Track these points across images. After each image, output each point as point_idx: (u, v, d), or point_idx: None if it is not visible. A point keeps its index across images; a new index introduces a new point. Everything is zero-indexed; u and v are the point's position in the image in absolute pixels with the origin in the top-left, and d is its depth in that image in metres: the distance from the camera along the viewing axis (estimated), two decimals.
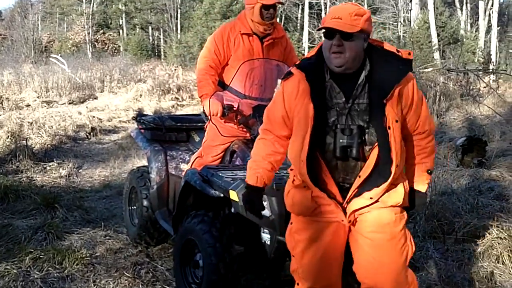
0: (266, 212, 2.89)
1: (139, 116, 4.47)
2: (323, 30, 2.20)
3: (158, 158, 4.07)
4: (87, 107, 11.79)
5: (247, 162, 3.49)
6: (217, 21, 29.05)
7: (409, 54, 2.28)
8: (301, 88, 2.28)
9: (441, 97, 10.86)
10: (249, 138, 3.65)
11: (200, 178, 3.24)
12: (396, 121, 2.20)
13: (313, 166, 2.30)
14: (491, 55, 17.51)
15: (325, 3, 30.30)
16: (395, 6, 32.02)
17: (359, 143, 2.22)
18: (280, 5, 3.87)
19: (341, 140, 2.23)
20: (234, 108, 3.59)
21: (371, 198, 2.29)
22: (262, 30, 3.77)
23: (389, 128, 2.18)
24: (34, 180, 6.26)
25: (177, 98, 14.55)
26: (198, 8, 30.80)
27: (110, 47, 35.66)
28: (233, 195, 2.94)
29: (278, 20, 3.87)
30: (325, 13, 31.43)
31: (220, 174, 3.14)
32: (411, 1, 26.77)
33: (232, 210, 3.05)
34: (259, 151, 2.52)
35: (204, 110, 3.70)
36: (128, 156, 7.64)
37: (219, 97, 3.60)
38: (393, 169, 2.23)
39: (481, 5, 25.85)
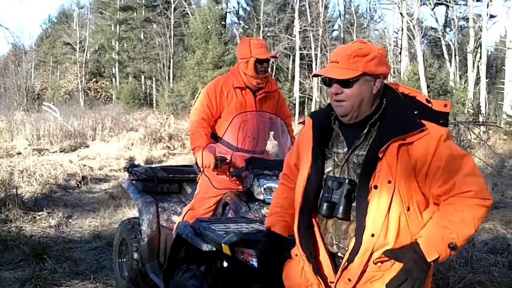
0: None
1: (131, 167, 4.48)
2: (322, 77, 1.96)
3: (150, 210, 4.05)
4: (78, 155, 11.79)
5: (239, 214, 3.52)
6: (209, 71, 29.53)
7: (445, 106, 1.95)
8: (307, 135, 2.11)
9: None
10: (242, 190, 3.66)
11: (192, 231, 3.22)
12: (389, 182, 1.83)
13: (307, 226, 2.05)
14: (480, 106, 17.82)
15: (316, 54, 30.99)
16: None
17: (346, 200, 1.92)
18: (273, 59, 3.97)
19: (326, 194, 1.97)
20: (227, 160, 3.62)
21: (349, 280, 1.92)
22: (256, 84, 3.84)
23: (375, 187, 1.84)
24: (23, 230, 6.18)
25: (169, 147, 14.58)
26: (191, 58, 31.30)
27: (102, 95, 35.94)
28: (226, 249, 2.92)
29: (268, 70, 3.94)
30: (315, 64, 32.11)
31: (213, 227, 3.12)
32: (400, 53, 27.45)
33: (224, 264, 3.03)
34: (279, 200, 2.33)
35: (196, 162, 3.72)
36: (119, 206, 7.58)
37: (212, 149, 3.63)
38: (364, 238, 1.85)
39: (470, 57, 26.55)
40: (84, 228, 6.54)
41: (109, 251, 5.34)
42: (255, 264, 2.89)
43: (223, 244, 2.93)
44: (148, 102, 36.40)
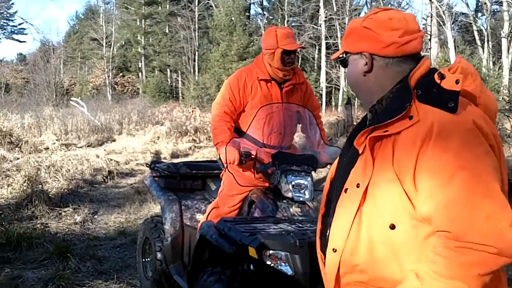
0: (289, 271, 2.70)
1: (153, 163, 4.33)
2: None
3: (172, 208, 3.89)
4: (105, 149, 11.77)
5: (266, 213, 3.33)
6: (234, 63, 29.44)
7: (457, 82, 1.37)
8: None
9: None
10: (268, 187, 3.47)
11: (216, 232, 3.04)
12: (357, 186, 1.42)
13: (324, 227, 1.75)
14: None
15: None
16: None
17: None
18: (300, 49, 3.72)
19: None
20: (252, 156, 3.41)
21: None
22: (282, 76, 3.59)
23: (345, 191, 1.47)
24: (48, 227, 6.12)
25: (194, 140, 14.50)
26: (215, 50, 31.22)
27: (129, 90, 36.20)
28: (252, 252, 2.74)
29: None
30: None
31: (238, 228, 2.94)
32: (430, 40, 26.80)
33: (251, 267, 2.86)
34: None
35: (220, 157, 3.53)
36: (144, 201, 7.48)
37: (236, 144, 3.43)
38: (328, 251, 1.52)
39: (504, 42, 25.69)
40: (109, 225, 6.44)
41: (134, 248, 5.20)
42: (284, 268, 2.72)
43: (249, 247, 2.75)
44: (174, 95, 36.50)
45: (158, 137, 13.62)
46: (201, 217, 3.79)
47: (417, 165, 1.31)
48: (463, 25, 32.52)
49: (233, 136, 3.54)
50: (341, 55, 1.62)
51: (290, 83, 3.66)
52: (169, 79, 38.47)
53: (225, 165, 3.52)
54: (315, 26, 33.36)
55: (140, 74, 39.28)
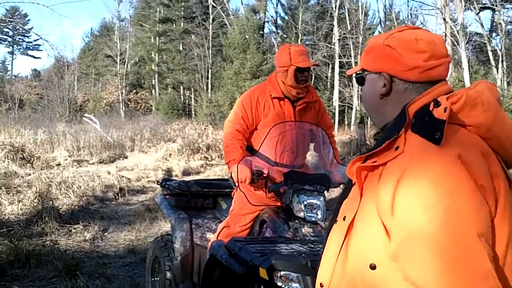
0: None
1: (164, 181, 4.28)
2: None
3: (183, 226, 3.83)
4: (116, 166, 11.77)
5: (278, 233, 3.26)
6: (247, 81, 29.53)
7: (445, 110, 1.22)
8: None
9: None
10: (280, 206, 3.40)
11: (227, 252, 2.98)
12: (344, 219, 1.33)
13: None
14: None
15: (356, 62, 30.49)
16: None
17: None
18: (314, 67, 3.68)
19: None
20: (264, 175, 3.36)
21: None
22: (295, 94, 3.55)
23: (335, 222, 1.39)
24: (58, 244, 6.08)
25: (206, 158, 14.47)
26: (229, 68, 31.37)
27: (142, 106, 36.44)
28: (263, 273, 2.67)
29: None
30: None
31: (249, 248, 2.87)
32: None
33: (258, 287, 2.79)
34: None
35: (231, 175, 3.48)
36: (155, 219, 7.43)
37: (248, 163, 3.38)
38: (316, 285, 1.42)
39: None
40: (119, 242, 6.39)
41: (143, 267, 5.14)
42: None
43: (260, 267, 2.68)
44: (187, 112, 36.65)
45: (170, 154, 13.61)
46: (211, 236, 3.72)
47: (394, 200, 1.17)
48: (477, 45, 32.41)
49: (245, 155, 3.50)
50: (358, 72, 1.49)
51: (303, 101, 3.61)
52: (182, 96, 38.65)
53: (237, 183, 3.48)
54: (328, 45, 33.48)
55: (153, 91, 39.54)
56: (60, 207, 7.37)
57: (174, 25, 40.08)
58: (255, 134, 3.64)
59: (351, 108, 30.90)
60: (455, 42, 24.58)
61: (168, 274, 3.84)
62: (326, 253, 1.39)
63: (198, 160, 13.84)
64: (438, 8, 25.33)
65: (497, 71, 28.30)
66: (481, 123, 1.26)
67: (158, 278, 4.16)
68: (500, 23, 29.12)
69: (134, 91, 38.85)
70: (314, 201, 3.20)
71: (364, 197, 1.28)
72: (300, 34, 35.21)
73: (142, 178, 10.91)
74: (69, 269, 4.93)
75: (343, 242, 1.31)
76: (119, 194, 9.27)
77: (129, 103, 37.16)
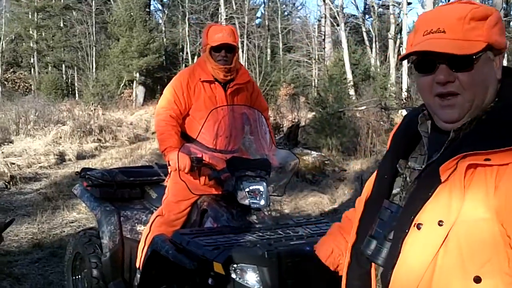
0: (256, 284, 2.52)
1: (84, 171, 3.93)
2: (413, 58, 1.28)
3: (111, 220, 3.54)
4: (2, 152, 10.74)
5: (221, 223, 3.11)
6: (135, 59, 28.60)
7: None
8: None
9: (373, 134, 10.99)
10: (220, 194, 3.26)
11: (173, 247, 2.79)
12: (440, 224, 1.14)
13: (360, 270, 1.43)
14: (410, 90, 18.24)
15: (242, 41, 30.58)
16: (309, 45, 33.08)
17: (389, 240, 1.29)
18: (238, 47, 3.52)
19: (375, 228, 1.33)
20: (204, 162, 3.19)
21: None
22: (223, 76, 3.42)
23: (418, 227, 1.18)
24: None
25: (100, 140, 13.75)
26: (115, 46, 30.09)
27: (21, 86, 33.72)
28: (219, 268, 2.53)
29: None
30: (242, 51, 31.73)
31: (198, 241, 2.71)
32: (324, 40, 27.79)
33: (210, 282, 2.64)
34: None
35: (169, 163, 3.27)
36: (56, 208, 6.88)
37: (187, 150, 3.19)
38: None
39: (391, 43, 27.19)
40: (20, 237, 5.81)
41: (55, 263, 4.76)
42: (251, 282, 2.54)
43: (214, 262, 2.54)
44: (71, 92, 34.62)
45: (61, 137, 12.72)
46: (142, 229, 3.49)
47: None
48: (353, 26, 34.10)
49: (181, 141, 3.32)
50: (480, 50, 1.21)
51: (235, 83, 3.49)
52: (64, 75, 36.39)
53: (171, 171, 3.30)
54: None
55: (32, 70, 36.75)
56: None
57: (53, 0, 37.36)
58: (187, 120, 3.47)
59: None
60: (335, 23, 25.65)
61: (95, 272, 3.54)
62: (403, 260, 1.20)
63: (91, 143, 13.09)
64: None
65: (371, 51, 30.06)
66: None
67: (80, 277, 3.83)
68: (372, 6, 30.84)
69: (11, 70, 35.79)
70: (257, 187, 3.10)
71: (468, 199, 1.12)
72: (187, 13, 34.56)
73: (33, 164, 10.07)
74: None
75: (438, 250, 1.13)
76: (11, 183, 8.46)
77: (6, 83, 34.18)
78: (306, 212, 6.68)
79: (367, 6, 35.16)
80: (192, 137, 3.38)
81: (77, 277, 3.86)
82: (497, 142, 1.11)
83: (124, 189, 3.77)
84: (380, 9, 33.33)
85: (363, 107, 11.57)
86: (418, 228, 1.17)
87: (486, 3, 22.06)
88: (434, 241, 1.14)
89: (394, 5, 27.32)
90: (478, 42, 1.19)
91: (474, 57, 1.19)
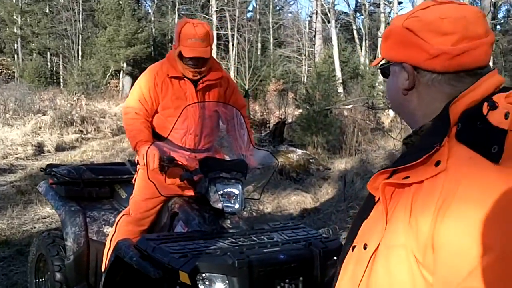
0: None
1: (50, 167, 3.70)
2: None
3: (75, 220, 3.33)
4: None
5: (192, 226, 2.92)
6: (122, 49, 28.20)
7: (506, 116, 0.94)
8: None
9: (359, 132, 10.87)
10: (192, 196, 3.07)
11: (137, 254, 2.58)
12: (364, 248, 1.06)
13: None
14: None
15: (233, 35, 30.32)
16: (299, 40, 32.96)
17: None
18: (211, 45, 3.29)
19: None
20: (176, 162, 2.99)
21: None
22: (191, 77, 3.20)
23: (352, 249, 1.11)
24: None
25: (81, 131, 13.47)
26: (102, 34, 29.67)
27: (3, 73, 33.13)
28: (185, 278, 2.34)
29: None
30: (232, 44, 31.45)
31: (164, 248, 2.51)
32: (314, 36, 27.68)
33: None
34: None
35: (138, 160, 3.07)
36: (29, 203, 6.63)
37: (157, 148, 2.98)
38: None
39: (380, 41, 27.26)
40: None
41: (21, 262, 4.53)
42: None
43: (180, 271, 2.35)
44: (55, 80, 34.09)
45: (41, 128, 12.41)
46: (110, 230, 3.28)
47: (434, 232, 0.91)
48: (343, 23, 34.08)
49: (152, 138, 3.12)
50: (381, 63, 1.21)
51: (206, 79, 3.25)
52: (49, 63, 35.83)
53: (138, 167, 3.14)
54: (206, 16, 32.90)
55: (16, 57, 36.13)
56: None
57: None
58: (157, 118, 3.26)
59: None
60: (325, 20, 25.54)
61: (58, 276, 3.33)
62: (341, 286, 1.12)
63: (72, 134, 12.81)
64: None
65: (361, 49, 30.07)
66: None
67: (43, 279, 3.61)
68: (364, 4, 30.81)
69: None
70: (231, 189, 2.91)
71: (390, 222, 1.00)
72: (177, 3, 34.23)
73: (9, 155, 9.80)
74: None
75: (362, 277, 1.04)
76: None
77: None
78: (288, 212, 6.50)
79: (358, 4, 35.23)
80: (162, 135, 3.18)
81: (40, 280, 3.66)
82: (415, 155, 0.99)
83: (92, 188, 3.57)
84: (371, 8, 33.38)
85: (350, 106, 11.41)
86: (352, 250, 1.10)
87: (475, 5, 22.15)
88: (360, 266, 1.05)
89: (385, 4, 27.32)
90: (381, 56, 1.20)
91: (378, 69, 1.21)
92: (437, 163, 0.96)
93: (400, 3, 27.33)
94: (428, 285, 0.93)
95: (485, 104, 0.96)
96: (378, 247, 1.01)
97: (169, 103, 3.19)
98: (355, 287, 1.05)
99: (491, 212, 0.86)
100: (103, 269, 3.16)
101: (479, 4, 17.09)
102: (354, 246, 1.09)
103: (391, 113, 14.78)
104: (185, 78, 3.21)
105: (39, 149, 10.78)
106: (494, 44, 1.11)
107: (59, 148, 11.37)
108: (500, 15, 28.93)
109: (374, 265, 1.02)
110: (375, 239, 1.02)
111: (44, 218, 6.11)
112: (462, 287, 0.86)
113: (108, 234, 3.26)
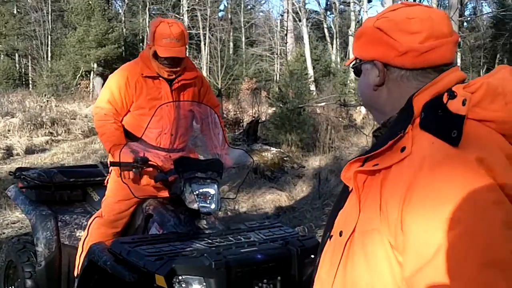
0: None
1: (19, 171, 3.60)
2: None
3: (47, 225, 3.25)
4: None
5: (167, 228, 2.87)
6: (92, 49, 27.84)
7: (464, 103, 1.02)
8: None
9: (332, 130, 10.92)
10: (167, 197, 3.02)
11: (111, 257, 2.52)
12: (340, 234, 1.12)
13: None
14: None
15: (204, 34, 30.20)
16: (271, 39, 33.03)
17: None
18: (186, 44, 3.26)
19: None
20: (150, 162, 2.94)
21: None
22: (167, 76, 3.17)
23: (329, 238, 1.17)
24: None
25: (52, 133, 13.20)
26: (72, 35, 29.24)
27: None
28: (161, 281, 2.29)
29: None
30: (204, 44, 31.33)
31: (139, 251, 2.46)
32: (286, 35, 27.80)
33: None
34: None
35: (111, 162, 3.01)
36: None
37: (130, 149, 2.93)
38: None
39: (351, 39, 27.46)
40: None
41: None
42: None
43: (156, 274, 2.30)
44: (24, 82, 33.46)
45: (9, 130, 12.13)
46: (82, 234, 3.20)
47: (402, 214, 0.97)
48: (315, 22, 34.30)
49: (124, 139, 3.06)
50: (354, 62, 1.27)
51: (181, 78, 3.23)
52: (17, 65, 35.16)
53: (111, 169, 3.08)
54: (177, 16, 32.68)
55: None
56: None
57: None
58: (129, 117, 3.20)
59: None
60: (296, 19, 25.70)
61: (29, 282, 3.25)
62: (319, 275, 1.18)
63: (42, 136, 12.55)
64: None
65: (332, 47, 30.35)
66: (503, 119, 1.04)
67: (13, 287, 3.51)
68: (334, 3, 31.12)
69: None
70: (207, 189, 2.88)
71: (364, 209, 1.07)
72: (148, 3, 33.90)
73: None
74: None
75: (339, 263, 1.10)
76: None
77: None
78: (263, 210, 6.48)
79: (328, 3, 35.51)
80: (135, 135, 3.13)
81: (10, 287, 3.54)
82: (380, 143, 1.09)
83: (64, 191, 3.49)
84: (341, 6, 33.66)
85: (323, 103, 11.47)
86: (330, 239, 1.17)
87: (442, 3, 22.51)
88: (337, 254, 1.12)
89: (355, 3, 27.59)
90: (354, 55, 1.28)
91: (351, 67, 1.28)
92: (403, 149, 1.04)
93: (369, 1, 27.66)
94: (399, 269, 0.99)
95: (445, 94, 1.05)
96: (353, 232, 1.07)
97: (143, 103, 3.15)
98: (333, 274, 1.11)
99: (453, 190, 0.93)
100: (76, 275, 3.11)
101: (447, 1, 17.36)
102: (331, 236, 1.16)
103: (363, 110, 14.91)
104: (160, 78, 3.17)
105: (8, 153, 10.53)
106: (459, 43, 1.18)
107: (29, 151, 11.12)
108: (467, 13, 29.49)
109: (350, 251, 1.07)
110: (350, 225, 1.09)
111: (14, 223, 5.95)
112: (431, 265, 0.91)
113: (80, 238, 3.19)
